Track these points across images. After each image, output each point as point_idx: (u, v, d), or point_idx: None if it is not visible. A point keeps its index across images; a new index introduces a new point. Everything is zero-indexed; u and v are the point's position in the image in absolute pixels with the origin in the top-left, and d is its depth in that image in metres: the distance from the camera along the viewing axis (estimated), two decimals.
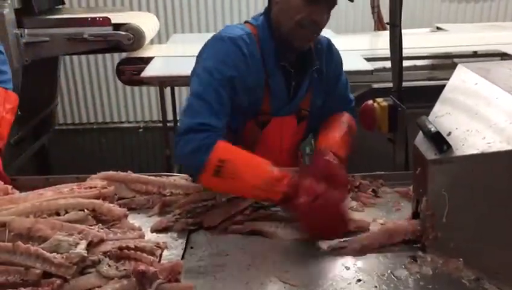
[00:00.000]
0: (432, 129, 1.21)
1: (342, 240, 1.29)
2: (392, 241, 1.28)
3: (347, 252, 1.26)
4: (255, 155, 1.40)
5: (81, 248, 1.13)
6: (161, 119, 3.56)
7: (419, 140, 1.27)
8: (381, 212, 1.47)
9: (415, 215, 1.33)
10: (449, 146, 1.17)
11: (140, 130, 5.49)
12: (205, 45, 1.56)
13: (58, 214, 1.27)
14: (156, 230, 1.38)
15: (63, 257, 1.11)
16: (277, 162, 1.60)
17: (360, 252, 1.26)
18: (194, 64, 1.61)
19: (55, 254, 1.11)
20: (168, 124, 3.35)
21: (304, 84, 1.63)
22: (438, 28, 4.16)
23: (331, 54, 1.69)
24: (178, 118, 1.42)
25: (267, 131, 1.61)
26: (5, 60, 1.83)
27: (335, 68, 1.71)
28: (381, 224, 1.38)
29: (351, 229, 1.33)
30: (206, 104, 1.43)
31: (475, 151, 1.11)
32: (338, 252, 1.27)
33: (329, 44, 1.69)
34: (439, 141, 1.18)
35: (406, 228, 1.29)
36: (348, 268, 1.21)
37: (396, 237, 1.29)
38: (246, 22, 1.62)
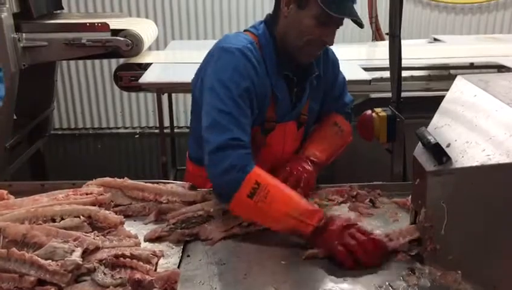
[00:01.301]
0: (432, 140, 1.21)
1: None
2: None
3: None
4: (288, 187, 1.40)
5: (76, 256, 1.12)
6: (158, 125, 3.54)
7: (419, 151, 1.26)
8: (378, 223, 1.46)
9: None
10: (448, 158, 1.16)
11: (137, 136, 5.48)
12: (210, 57, 1.55)
13: (53, 221, 1.26)
14: (149, 239, 1.37)
15: (57, 264, 1.10)
16: (278, 166, 1.63)
17: None
18: (195, 75, 1.61)
19: (50, 261, 1.10)
20: (165, 131, 3.34)
21: (306, 91, 1.64)
22: (435, 39, 4.18)
23: (327, 56, 1.70)
24: (191, 127, 1.45)
25: (271, 137, 1.61)
26: None
27: (332, 70, 1.72)
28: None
29: (387, 247, 1.28)
30: (231, 118, 1.42)
31: (475, 164, 1.11)
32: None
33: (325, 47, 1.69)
34: (438, 152, 1.18)
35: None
36: (346, 279, 1.20)
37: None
38: (246, 30, 1.62)
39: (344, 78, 1.79)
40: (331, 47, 1.67)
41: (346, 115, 1.78)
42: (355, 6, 1.49)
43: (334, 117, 1.73)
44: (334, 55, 1.74)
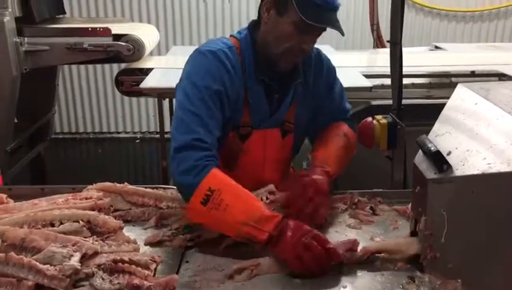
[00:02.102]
0: (432, 148, 1.20)
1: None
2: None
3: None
4: (247, 191, 1.36)
5: (74, 260, 1.11)
6: (158, 130, 3.55)
7: (419, 159, 1.26)
8: (378, 230, 1.46)
9: (413, 234, 1.32)
10: (449, 166, 1.16)
11: (138, 140, 5.48)
12: (188, 60, 1.56)
13: (52, 225, 1.26)
14: (149, 243, 1.37)
15: (56, 269, 1.09)
16: (261, 176, 1.60)
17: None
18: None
19: (48, 265, 1.10)
20: (166, 136, 3.34)
21: (288, 98, 1.61)
22: (437, 47, 4.19)
23: (320, 65, 1.67)
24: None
25: (249, 143, 1.59)
26: None
27: (326, 79, 1.69)
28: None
29: (341, 258, 1.26)
30: (198, 119, 1.41)
31: (475, 172, 1.10)
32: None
33: (318, 54, 1.67)
34: (439, 160, 1.17)
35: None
36: (345, 287, 1.19)
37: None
38: (231, 35, 1.62)
39: (341, 85, 1.75)
40: (328, 56, 1.67)
41: (350, 123, 1.74)
42: (337, 12, 1.47)
43: (341, 128, 1.68)
44: (330, 62, 1.71)
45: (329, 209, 1.51)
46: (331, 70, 1.72)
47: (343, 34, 1.49)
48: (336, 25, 1.45)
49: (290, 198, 1.46)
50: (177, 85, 1.56)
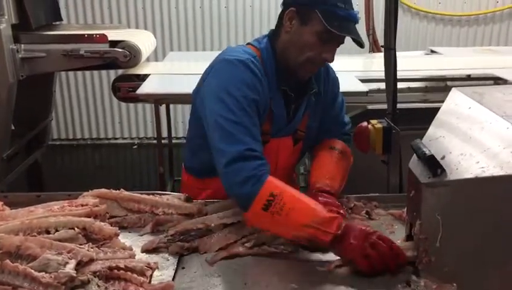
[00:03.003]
0: (426, 152, 1.21)
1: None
2: None
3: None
4: (304, 194, 1.39)
5: (70, 268, 1.11)
6: (156, 136, 3.55)
7: (414, 163, 1.26)
8: None
9: (409, 238, 1.32)
10: (443, 170, 1.17)
11: (135, 146, 5.48)
12: (212, 68, 1.55)
13: (48, 232, 1.26)
14: (146, 250, 1.36)
15: (51, 277, 1.09)
16: None
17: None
18: (196, 86, 1.61)
19: (43, 273, 1.10)
20: (163, 141, 3.34)
21: (302, 107, 1.64)
22: (432, 51, 4.20)
23: (328, 75, 1.72)
24: (185, 137, 1.40)
25: (264, 151, 1.60)
26: None
27: (332, 89, 1.74)
28: None
29: (406, 258, 1.27)
30: (243, 128, 1.42)
31: (469, 176, 1.11)
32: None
33: (326, 65, 1.70)
34: (433, 164, 1.18)
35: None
36: None
37: None
38: (248, 43, 1.63)
39: (343, 100, 1.80)
40: (332, 65, 1.69)
41: (346, 138, 1.78)
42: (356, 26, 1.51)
43: (333, 143, 1.71)
44: (335, 74, 1.76)
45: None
46: (336, 81, 1.76)
47: (362, 46, 1.52)
48: (358, 36, 1.49)
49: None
50: (194, 92, 1.55)
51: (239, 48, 1.59)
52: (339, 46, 1.53)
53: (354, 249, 1.26)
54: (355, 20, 1.49)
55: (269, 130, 1.59)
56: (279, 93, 1.58)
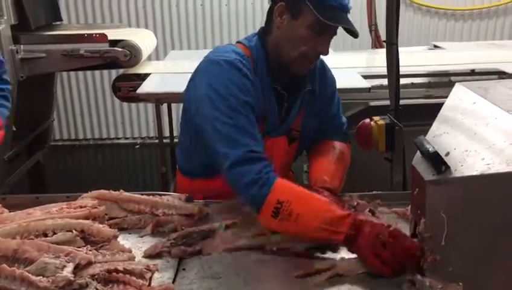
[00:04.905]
0: (430, 149, 1.18)
1: None
2: None
3: None
4: (314, 194, 1.37)
5: (68, 271, 1.09)
6: (158, 135, 3.54)
7: (417, 160, 1.24)
8: None
9: (413, 236, 1.30)
10: (447, 167, 1.14)
11: (137, 146, 5.47)
12: (199, 69, 1.53)
13: (45, 235, 1.24)
14: (149, 255, 1.33)
15: (48, 281, 1.07)
16: None
17: None
18: (186, 88, 1.58)
19: (41, 277, 1.08)
20: (165, 141, 3.32)
21: (296, 106, 1.61)
22: (435, 46, 4.16)
23: (324, 73, 1.68)
24: (177, 136, 1.37)
25: None
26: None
27: (329, 88, 1.70)
28: None
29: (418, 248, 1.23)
30: (241, 130, 1.39)
31: (474, 173, 1.08)
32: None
33: (322, 64, 1.68)
34: (437, 161, 1.15)
35: None
36: None
37: None
38: (238, 42, 1.60)
39: (339, 99, 1.76)
40: (326, 57, 1.66)
41: (344, 136, 1.74)
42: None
43: (332, 143, 1.69)
44: (331, 73, 1.72)
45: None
46: (333, 81, 1.73)
47: (356, 36, 1.48)
48: (351, 25, 1.45)
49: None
50: (183, 93, 1.53)
51: (227, 48, 1.55)
52: (332, 37, 1.49)
53: (365, 249, 1.23)
54: (347, 9, 1.45)
55: (262, 130, 1.55)
56: (271, 92, 1.55)
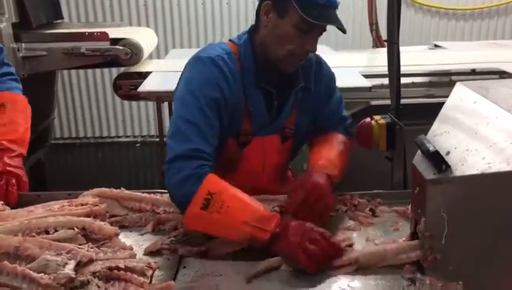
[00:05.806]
0: (431, 148, 1.19)
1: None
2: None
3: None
4: (245, 193, 1.35)
5: (69, 268, 1.09)
6: (158, 134, 3.55)
7: (418, 159, 1.24)
8: (378, 232, 1.44)
9: (413, 235, 1.30)
10: (448, 166, 1.14)
11: (138, 144, 5.47)
12: (186, 65, 1.54)
13: (47, 233, 1.24)
14: (149, 252, 1.34)
15: (50, 278, 1.07)
16: (259, 181, 1.59)
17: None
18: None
19: (42, 274, 1.08)
20: (165, 139, 3.33)
21: (288, 104, 1.59)
22: (436, 46, 4.17)
23: (320, 70, 1.66)
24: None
25: (248, 150, 1.57)
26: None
27: (326, 85, 1.67)
28: (376, 244, 1.35)
29: (343, 252, 1.27)
30: (195, 127, 1.39)
31: (475, 172, 1.08)
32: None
33: (318, 61, 1.66)
34: (438, 160, 1.16)
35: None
36: (344, 289, 1.18)
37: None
38: (230, 40, 1.60)
39: (341, 97, 1.75)
40: (327, 56, 1.66)
41: (346, 131, 1.72)
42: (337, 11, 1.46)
43: (337, 135, 1.67)
44: (330, 70, 1.70)
45: (333, 210, 1.50)
46: (332, 77, 1.71)
47: (344, 32, 1.46)
48: (339, 22, 1.44)
49: (292, 204, 1.43)
50: (175, 91, 1.54)
51: (216, 45, 1.56)
52: (321, 35, 1.47)
53: (292, 245, 1.23)
54: (334, 5, 1.43)
55: (249, 129, 1.55)
56: (257, 90, 1.53)
